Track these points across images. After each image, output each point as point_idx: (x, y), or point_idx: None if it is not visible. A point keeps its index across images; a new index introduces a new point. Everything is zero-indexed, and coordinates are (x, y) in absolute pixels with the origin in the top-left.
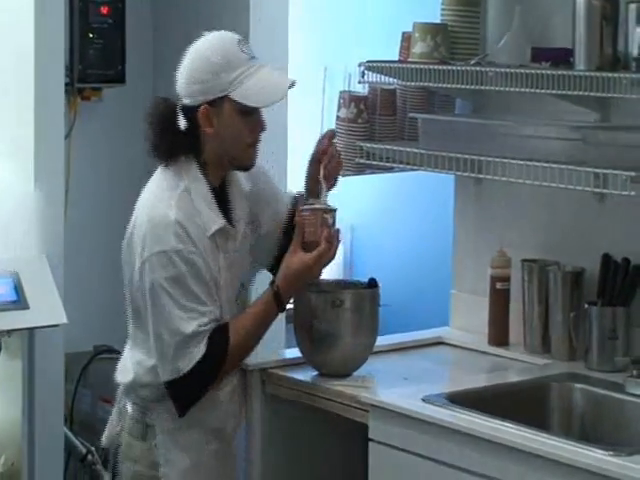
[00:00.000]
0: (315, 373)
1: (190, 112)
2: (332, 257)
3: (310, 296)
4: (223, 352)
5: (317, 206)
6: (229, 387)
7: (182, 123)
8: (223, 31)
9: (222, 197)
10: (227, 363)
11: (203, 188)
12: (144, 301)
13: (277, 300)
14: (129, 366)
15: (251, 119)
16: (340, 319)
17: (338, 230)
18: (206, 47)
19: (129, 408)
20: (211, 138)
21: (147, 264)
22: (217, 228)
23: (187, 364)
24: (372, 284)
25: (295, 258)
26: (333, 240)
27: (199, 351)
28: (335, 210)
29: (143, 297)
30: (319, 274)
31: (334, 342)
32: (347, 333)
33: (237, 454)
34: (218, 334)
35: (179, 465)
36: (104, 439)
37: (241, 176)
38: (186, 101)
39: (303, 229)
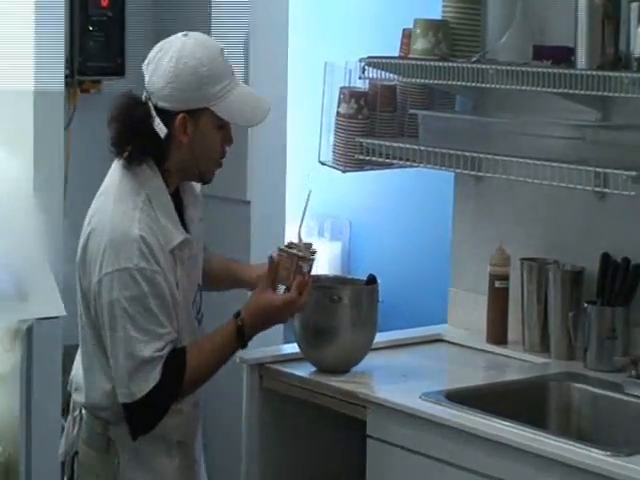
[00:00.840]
0: (313, 369)
1: (165, 117)
2: (301, 306)
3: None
4: (178, 382)
5: (295, 251)
6: (192, 398)
7: (162, 129)
8: (205, 36)
9: (177, 201)
10: (181, 392)
11: (165, 198)
12: (102, 317)
13: (240, 335)
14: (85, 385)
15: (223, 132)
16: (339, 315)
17: (311, 278)
18: (193, 54)
19: (87, 418)
20: (183, 147)
21: (106, 280)
22: (178, 242)
23: (141, 390)
24: (371, 281)
25: (265, 297)
26: (304, 290)
27: (154, 378)
28: (312, 260)
29: (101, 313)
30: (286, 320)
31: (333, 338)
32: (346, 329)
33: (199, 464)
34: (174, 362)
35: None
36: (62, 453)
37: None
38: (161, 104)
39: (277, 269)
